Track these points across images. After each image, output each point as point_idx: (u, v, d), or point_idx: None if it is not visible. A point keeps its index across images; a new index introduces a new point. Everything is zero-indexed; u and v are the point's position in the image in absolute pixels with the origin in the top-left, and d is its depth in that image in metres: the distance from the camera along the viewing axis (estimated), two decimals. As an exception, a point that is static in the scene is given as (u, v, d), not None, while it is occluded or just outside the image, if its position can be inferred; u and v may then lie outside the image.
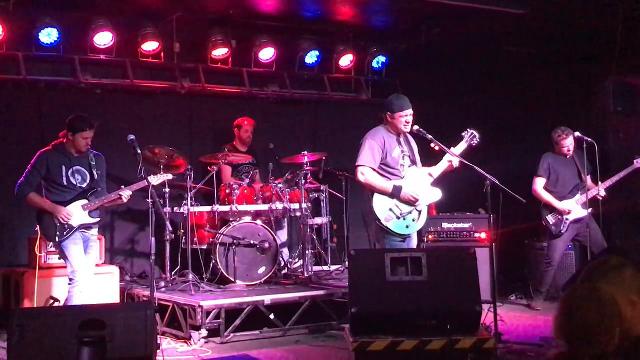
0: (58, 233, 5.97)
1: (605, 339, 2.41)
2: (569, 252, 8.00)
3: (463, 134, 6.11)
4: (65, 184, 6.05)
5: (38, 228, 6.14)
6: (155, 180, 6.36)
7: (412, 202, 5.86)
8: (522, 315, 7.31)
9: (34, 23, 7.60)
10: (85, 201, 6.10)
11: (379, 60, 9.59)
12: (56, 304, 6.50)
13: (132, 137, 5.85)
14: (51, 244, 6.32)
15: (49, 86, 7.91)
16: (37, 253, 6.58)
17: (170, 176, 6.64)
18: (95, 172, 6.17)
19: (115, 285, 7.10)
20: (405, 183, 5.92)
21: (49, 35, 7.62)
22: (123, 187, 6.17)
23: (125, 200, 6.21)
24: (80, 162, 6.14)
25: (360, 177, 5.94)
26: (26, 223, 7.33)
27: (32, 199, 6.01)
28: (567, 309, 2.54)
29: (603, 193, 7.44)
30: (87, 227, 6.13)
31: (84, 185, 6.13)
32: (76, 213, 6.04)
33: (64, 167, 6.05)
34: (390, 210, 5.85)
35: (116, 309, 4.78)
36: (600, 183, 7.46)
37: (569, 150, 7.57)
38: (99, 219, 6.27)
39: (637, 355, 2.42)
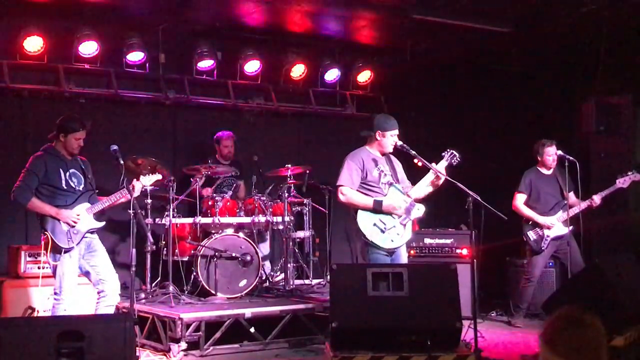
0: (69, 239, 5.70)
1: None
2: (549, 269, 8.03)
3: (443, 153, 6.14)
4: (65, 187, 5.77)
5: (48, 234, 5.65)
6: (147, 180, 6.24)
7: (394, 213, 5.90)
8: (502, 332, 7.32)
9: (19, 31, 7.57)
10: (87, 204, 5.87)
11: (364, 75, 9.64)
12: (34, 314, 6.42)
13: (115, 147, 5.77)
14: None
15: (32, 94, 7.86)
16: (51, 262, 5.73)
17: (160, 176, 6.44)
18: (87, 175, 5.98)
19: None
20: (386, 198, 5.96)
21: (33, 44, 7.59)
22: (122, 188, 5.87)
23: (124, 200, 5.92)
24: (73, 165, 5.90)
25: (342, 197, 6.01)
26: (4, 232, 7.25)
27: (35, 204, 5.67)
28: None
29: (598, 201, 7.41)
30: (91, 231, 5.90)
31: (80, 188, 5.87)
32: (83, 216, 5.83)
33: (61, 170, 5.78)
34: (375, 225, 5.88)
35: (95, 319, 4.73)
36: (595, 195, 7.42)
37: (553, 160, 7.55)
38: (104, 223, 6.05)
39: None
